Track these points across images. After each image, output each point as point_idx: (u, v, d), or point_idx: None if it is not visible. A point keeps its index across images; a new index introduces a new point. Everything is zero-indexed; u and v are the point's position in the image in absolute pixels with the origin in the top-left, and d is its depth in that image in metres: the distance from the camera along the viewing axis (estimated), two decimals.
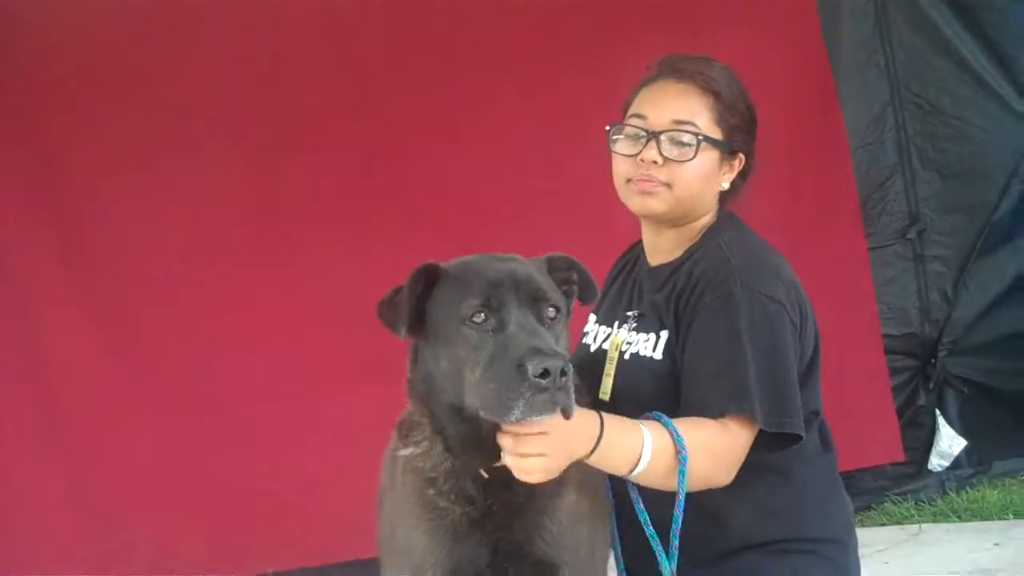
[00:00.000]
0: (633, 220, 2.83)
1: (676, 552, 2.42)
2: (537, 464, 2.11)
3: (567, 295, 2.31)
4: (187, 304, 5.02)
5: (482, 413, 2.06)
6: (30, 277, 4.94)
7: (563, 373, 1.97)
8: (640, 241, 2.86)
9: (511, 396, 1.98)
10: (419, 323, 2.21)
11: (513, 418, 2.00)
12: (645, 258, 2.82)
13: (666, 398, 2.45)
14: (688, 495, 2.43)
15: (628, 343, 2.68)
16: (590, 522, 2.38)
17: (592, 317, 2.92)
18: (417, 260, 2.23)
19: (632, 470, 2.26)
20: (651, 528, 2.41)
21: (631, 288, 2.83)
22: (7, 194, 4.93)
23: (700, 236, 2.70)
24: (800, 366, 2.56)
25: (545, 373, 1.96)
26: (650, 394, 2.46)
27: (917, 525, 5.11)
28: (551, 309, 2.16)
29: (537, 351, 2.00)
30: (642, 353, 2.62)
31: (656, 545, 2.41)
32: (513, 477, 2.18)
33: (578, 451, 2.17)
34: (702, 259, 2.60)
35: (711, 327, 2.48)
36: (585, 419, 2.18)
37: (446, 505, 2.26)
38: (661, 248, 2.75)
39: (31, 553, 4.90)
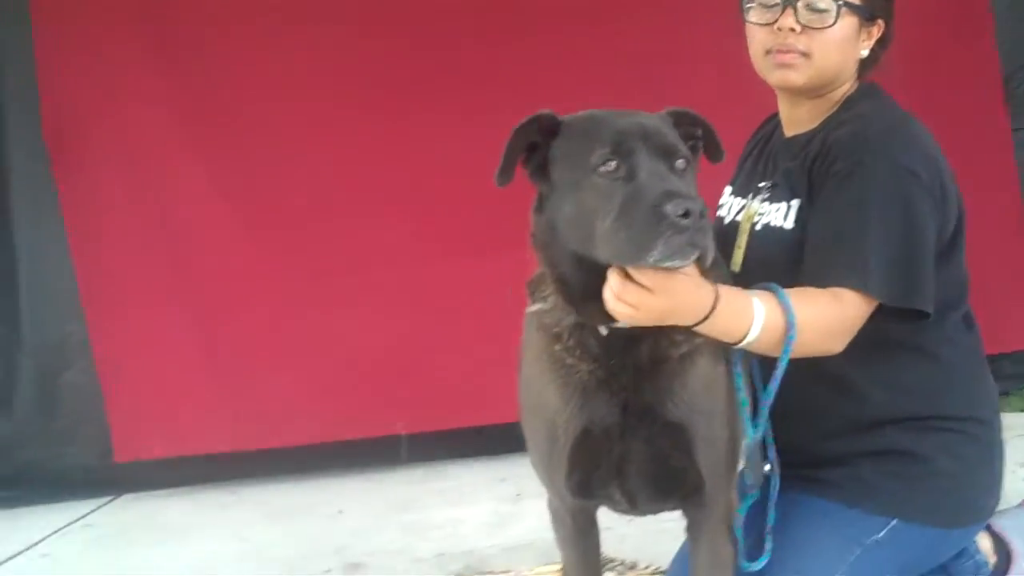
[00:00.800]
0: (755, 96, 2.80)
1: (766, 422, 2.42)
2: (625, 312, 2.10)
3: (692, 151, 2.27)
4: (314, 169, 5.13)
5: (614, 261, 2.04)
6: (159, 147, 5.11)
7: (702, 214, 1.94)
8: (775, 114, 2.84)
9: (649, 238, 1.94)
10: (543, 173, 2.21)
11: (651, 260, 1.96)
12: (781, 130, 2.79)
13: (796, 269, 2.44)
14: (821, 371, 2.47)
15: (760, 214, 2.67)
16: (725, 390, 2.39)
17: (727, 189, 2.91)
18: None
19: (739, 342, 2.26)
20: (742, 393, 2.41)
21: (766, 160, 2.81)
22: (135, 67, 5.08)
23: (838, 106, 2.66)
24: (941, 243, 2.53)
25: (686, 214, 1.93)
26: (781, 265, 2.45)
27: None
28: (681, 160, 2.12)
29: (674, 194, 1.96)
30: (773, 223, 2.62)
31: (743, 411, 2.41)
32: (634, 338, 2.20)
33: (683, 318, 2.16)
34: (839, 128, 2.56)
35: (839, 195, 2.45)
36: (700, 291, 2.16)
37: (573, 362, 2.27)
38: (798, 119, 2.72)
39: (169, 418, 5.19)
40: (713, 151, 2.30)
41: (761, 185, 2.74)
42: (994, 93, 5.26)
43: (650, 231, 1.94)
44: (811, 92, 2.67)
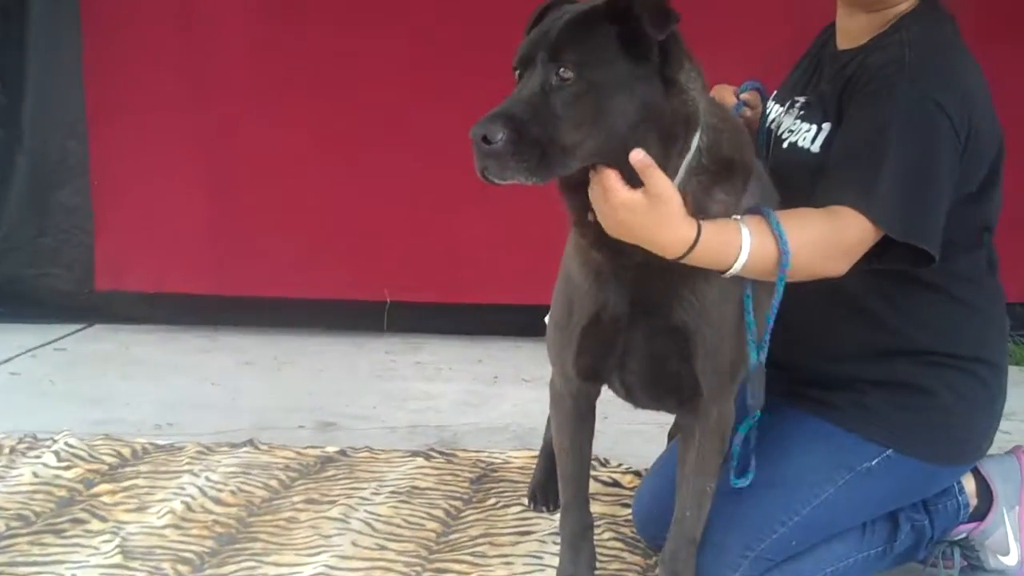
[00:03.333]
0: None
1: (766, 345, 2.32)
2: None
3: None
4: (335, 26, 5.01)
5: None
6: None
7: (486, 139, 1.95)
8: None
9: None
10: None
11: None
12: (835, 40, 2.67)
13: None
14: (841, 295, 2.42)
15: (790, 131, 2.58)
16: (738, 305, 2.29)
17: (774, 92, 2.81)
18: None
19: (726, 271, 2.18)
20: (750, 316, 2.30)
21: (812, 71, 2.70)
22: None
23: (889, 25, 2.52)
24: (971, 187, 2.42)
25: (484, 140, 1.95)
26: (801, 188, 2.35)
27: None
28: (562, 68, 2.02)
29: (481, 120, 1.97)
30: (800, 144, 2.52)
31: (749, 333, 2.31)
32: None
33: (657, 249, 2.11)
34: (879, 51, 2.43)
35: (862, 115, 2.35)
36: (680, 228, 2.09)
37: (585, 245, 2.26)
38: (850, 32, 2.59)
39: (156, 252, 5.16)
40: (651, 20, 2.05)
41: (797, 99, 2.64)
42: None
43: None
44: (866, 5, 2.53)
